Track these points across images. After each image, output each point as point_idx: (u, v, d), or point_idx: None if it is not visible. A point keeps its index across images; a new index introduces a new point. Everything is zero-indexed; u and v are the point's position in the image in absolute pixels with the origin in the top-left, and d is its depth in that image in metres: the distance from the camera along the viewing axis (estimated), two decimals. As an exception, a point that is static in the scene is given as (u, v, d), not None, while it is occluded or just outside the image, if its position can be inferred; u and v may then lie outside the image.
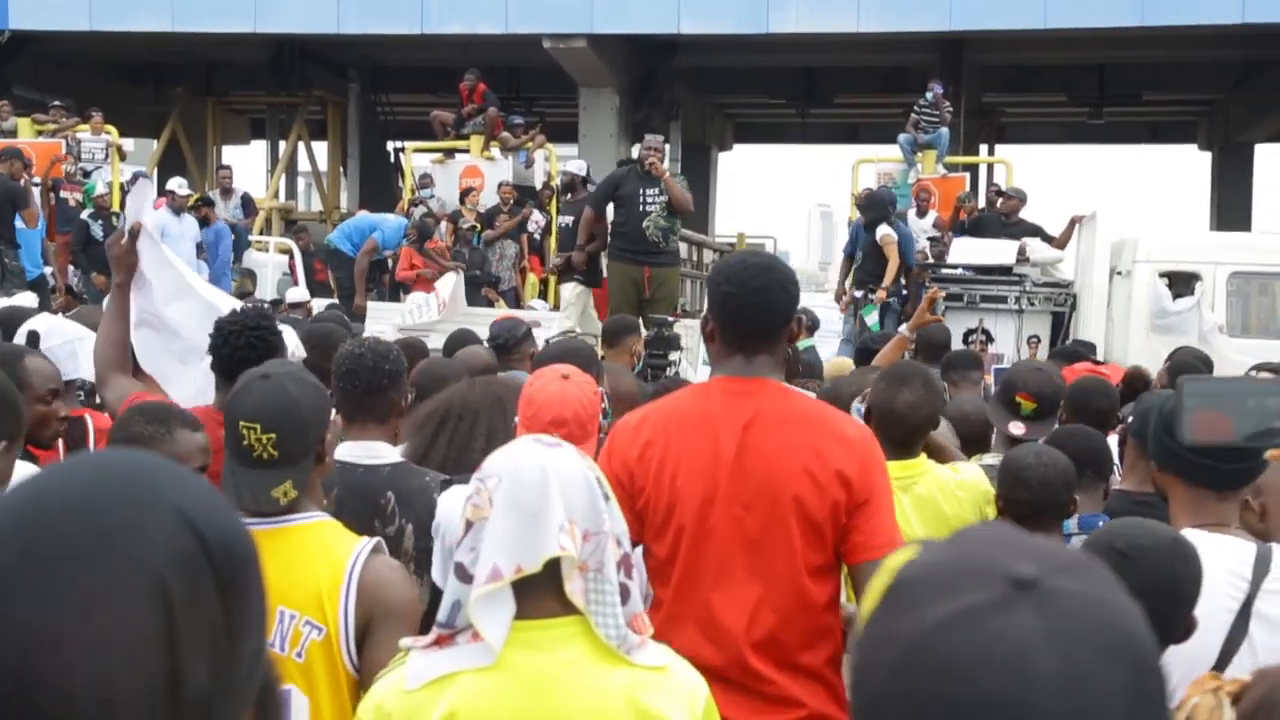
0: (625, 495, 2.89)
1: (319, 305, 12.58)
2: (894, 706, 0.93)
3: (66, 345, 4.34)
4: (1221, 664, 2.57)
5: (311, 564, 2.67)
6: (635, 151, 12.23)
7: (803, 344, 11.37)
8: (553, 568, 2.06)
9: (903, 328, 6.36)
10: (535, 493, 2.05)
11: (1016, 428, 4.48)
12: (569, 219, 12.80)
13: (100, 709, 0.93)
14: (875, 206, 12.83)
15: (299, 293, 13.72)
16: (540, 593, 2.08)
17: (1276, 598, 2.61)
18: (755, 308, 2.97)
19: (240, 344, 3.87)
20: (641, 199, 10.93)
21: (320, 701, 2.61)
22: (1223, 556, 2.65)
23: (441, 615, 2.12)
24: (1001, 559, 0.95)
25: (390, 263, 14.30)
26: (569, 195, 13.29)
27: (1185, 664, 2.27)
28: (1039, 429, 4.48)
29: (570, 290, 12.32)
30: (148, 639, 0.95)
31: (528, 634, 2.08)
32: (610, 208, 11.57)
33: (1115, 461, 4.48)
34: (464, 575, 2.08)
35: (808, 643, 2.91)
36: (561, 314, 12.20)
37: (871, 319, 11.91)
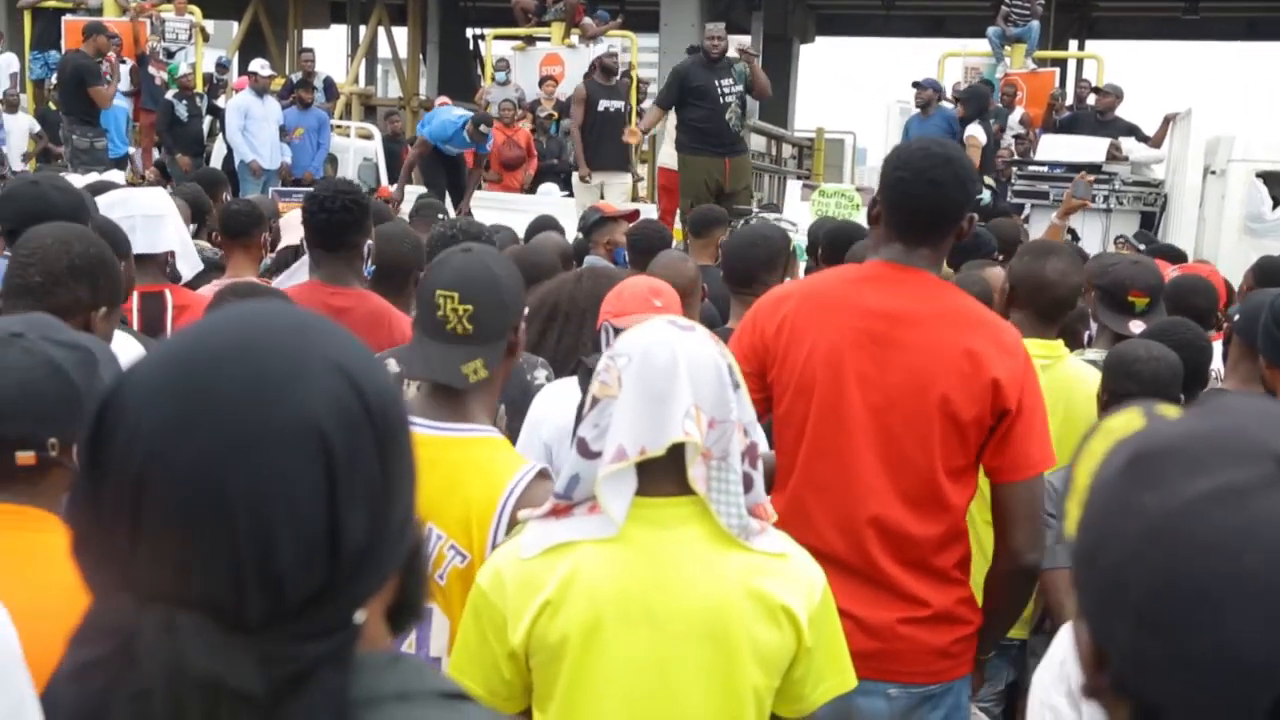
0: (759, 368, 2.88)
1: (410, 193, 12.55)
2: (1139, 586, 0.88)
3: (127, 220, 4.30)
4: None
5: (468, 485, 2.47)
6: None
7: None
8: (676, 451, 2.06)
9: (1053, 216, 6.37)
10: (664, 376, 2.04)
11: (1137, 326, 4.36)
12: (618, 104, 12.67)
13: (262, 552, 0.93)
14: (975, 100, 12.54)
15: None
16: (661, 474, 2.08)
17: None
18: (925, 199, 2.85)
19: (335, 207, 3.95)
20: (719, 90, 10.77)
21: (459, 625, 2.42)
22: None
23: (559, 487, 2.14)
24: (1264, 436, 0.90)
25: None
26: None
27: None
28: (1152, 323, 4.40)
29: (581, 188, 12.25)
30: (309, 488, 0.95)
31: (646, 510, 2.09)
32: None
33: (1217, 365, 4.40)
34: (585, 451, 2.09)
35: (941, 543, 2.85)
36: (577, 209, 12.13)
37: None
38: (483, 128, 12.73)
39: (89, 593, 0.98)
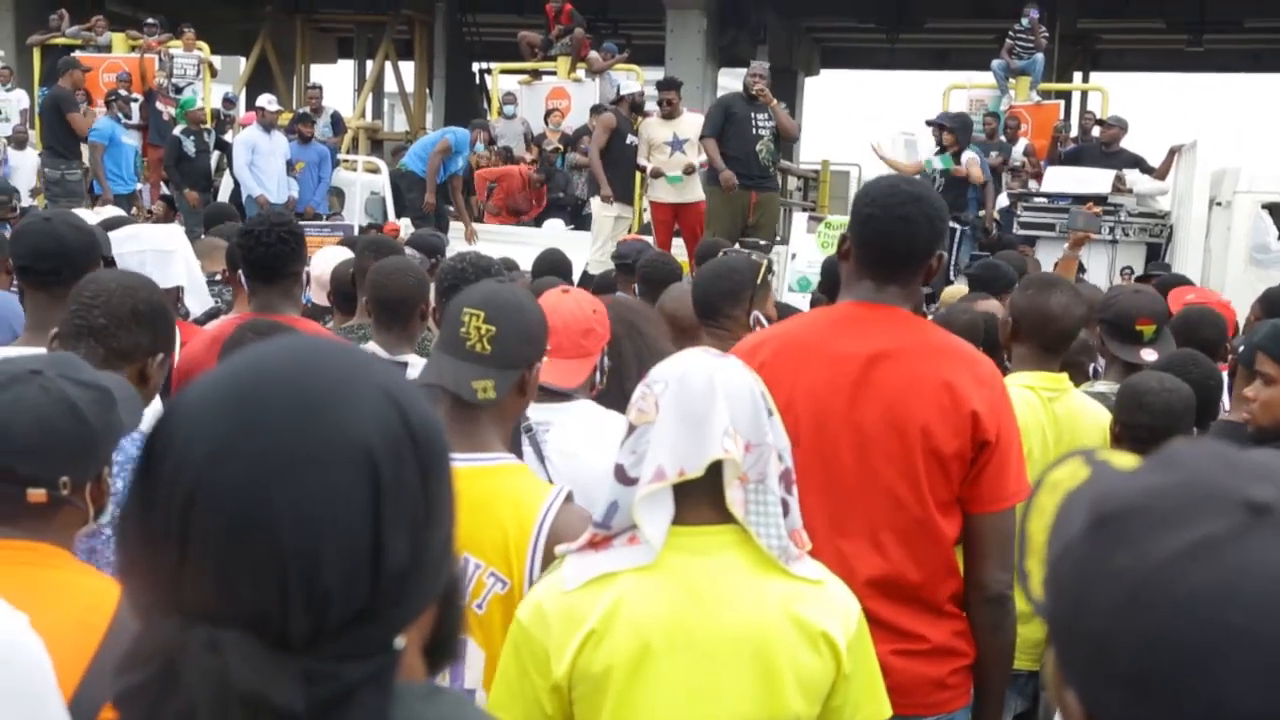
0: None
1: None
2: (1124, 650, 0.86)
3: (137, 255, 4.33)
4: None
5: (500, 512, 2.49)
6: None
7: None
8: (712, 477, 2.07)
9: (1065, 248, 6.42)
10: (702, 399, 2.06)
11: (1149, 354, 4.35)
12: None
13: (307, 570, 0.95)
14: (966, 129, 12.64)
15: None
16: (698, 500, 2.09)
17: None
18: (894, 236, 2.85)
19: (272, 240, 4.01)
20: (753, 124, 10.95)
21: (497, 656, 2.41)
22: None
23: (598, 516, 2.14)
24: (1230, 482, 0.88)
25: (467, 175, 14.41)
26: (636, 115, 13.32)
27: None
28: (1161, 349, 4.40)
29: (601, 209, 12.28)
30: (355, 508, 0.97)
31: (685, 538, 2.10)
32: None
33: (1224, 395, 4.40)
34: (624, 477, 2.10)
35: (933, 580, 2.84)
36: (593, 235, 12.23)
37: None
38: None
39: (135, 615, 1.00)
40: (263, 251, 4.05)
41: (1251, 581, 0.83)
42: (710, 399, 2.06)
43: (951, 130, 12.63)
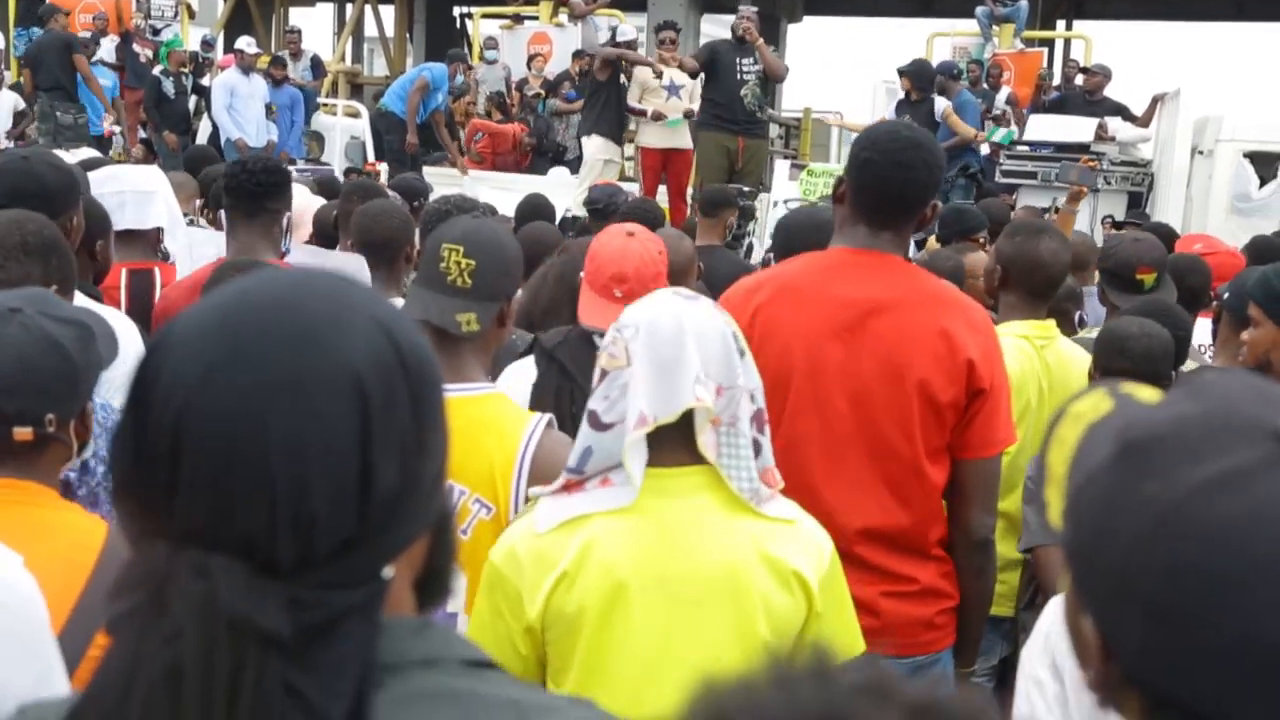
0: None
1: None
2: (1147, 580, 0.85)
3: (117, 196, 4.31)
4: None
5: (483, 440, 2.53)
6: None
7: None
8: (685, 420, 2.08)
9: (1062, 202, 6.40)
10: (671, 344, 2.07)
11: None
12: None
13: (294, 495, 0.95)
14: (920, 75, 12.57)
15: None
16: (671, 443, 2.10)
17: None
18: (892, 181, 2.86)
19: (257, 169, 4.08)
20: (738, 69, 10.91)
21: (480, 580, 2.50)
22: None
23: (571, 462, 2.15)
24: (1257, 413, 0.87)
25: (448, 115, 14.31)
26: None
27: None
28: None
29: (596, 151, 12.03)
30: (344, 433, 0.97)
31: (658, 481, 2.11)
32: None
33: (1206, 340, 4.43)
34: (598, 423, 2.11)
35: (921, 525, 2.88)
36: (581, 177, 12.01)
37: None
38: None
39: (127, 542, 1.00)
40: (246, 178, 4.08)
41: (1278, 512, 0.83)
42: (679, 344, 2.07)
43: (907, 75, 12.56)
